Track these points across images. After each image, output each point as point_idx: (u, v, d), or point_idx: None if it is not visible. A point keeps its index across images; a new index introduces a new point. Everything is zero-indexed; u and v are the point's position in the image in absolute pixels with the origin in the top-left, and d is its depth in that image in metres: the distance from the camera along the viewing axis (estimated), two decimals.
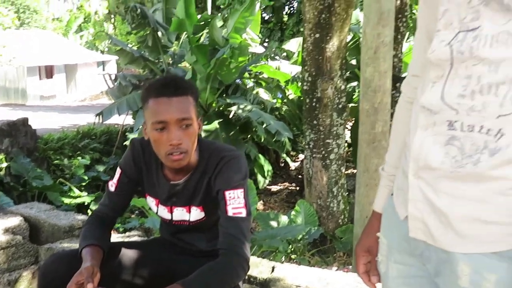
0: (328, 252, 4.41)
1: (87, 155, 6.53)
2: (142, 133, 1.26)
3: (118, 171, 1.34)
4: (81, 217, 2.15)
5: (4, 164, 5.21)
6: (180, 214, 1.31)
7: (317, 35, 3.98)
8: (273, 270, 1.62)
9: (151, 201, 1.36)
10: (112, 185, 1.34)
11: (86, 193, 5.76)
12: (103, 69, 22.32)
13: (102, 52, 22.18)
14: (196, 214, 1.30)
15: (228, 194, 1.18)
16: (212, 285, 1.08)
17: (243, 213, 1.18)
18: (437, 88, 0.74)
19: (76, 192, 5.55)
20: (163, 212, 1.33)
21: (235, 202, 1.18)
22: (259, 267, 1.63)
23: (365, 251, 0.99)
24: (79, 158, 6.22)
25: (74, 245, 1.90)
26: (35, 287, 1.92)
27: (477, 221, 0.71)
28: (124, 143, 6.02)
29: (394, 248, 0.90)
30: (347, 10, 3.90)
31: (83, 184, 5.96)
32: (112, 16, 20.60)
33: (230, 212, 1.17)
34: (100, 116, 6.48)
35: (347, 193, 4.71)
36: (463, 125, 0.70)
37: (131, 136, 5.50)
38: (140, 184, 1.36)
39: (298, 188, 8.27)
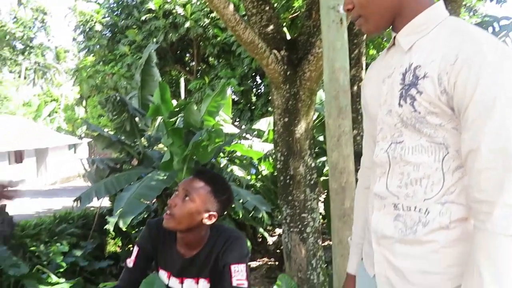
0: None
1: (65, 240, 6.49)
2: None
3: (136, 249, 1.59)
4: None
5: None
6: (189, 285, 1.55)
7: (286, 119, 4.42)
8: None
9: (163, 274, 1.59)
10: (130, 262, 1.58)
11: (64, 280, 5.68)
12: (75, 152, 22.35)
13: (80, 137, 22.41)
14: (203, 285, 1.54)
15: (233, 267, 1.45)
16: None
17: (245, 284, 1.44)
18: (382, 181, 1.08)
19: (54, 279, 5.48)
20: (174, 283, 1.56)
21: (238, 275, 1.44)
22: None
23: None
24: (57, 244, 6.19)
25: None
26: None
27: (422, 272, 1.01)
28: (104, 227, 6.08)
29: None
30: (311, 97, 4.39)
31: (61, 270, 5.90)
32: (84, 100, 21.15)
33: (235, 283, 1.43)
34: (79, 201, 6.57)
35: (325, 264, 4.89)
36: (403, 207, 1.03)
37: (111, 219, 5.60)
38: (155, 259, 1.60)
39: (277, 262, 8.33)
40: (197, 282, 1.53)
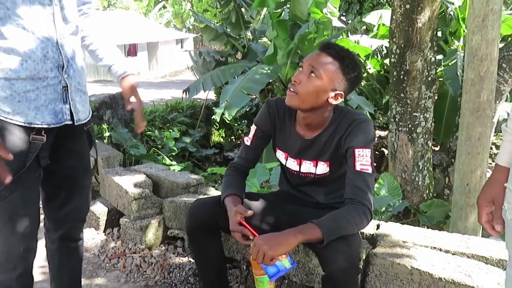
0: (412, 226, 4.42)
1: (175, 128, 6.98)
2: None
3: (253, 127, 1.53)
4: (194, 176, 2.40)
5: (107, 134, 5.77)
6: (307, 167, 1.47)
7: (408, 6, 3.90)
8: (378, 228, 1.75)
9: (280, 155, 1.53)
10: (247, 140, 1.54)
11: (175, 162, 6.20)
12: (181, 47, 23.19)
13: (188, 29, 23.05)
14: (322, 168, 1.45)
15: (358, 151, 1.32)
16: (341, 228, 1.23)
17: (369, 170, 1.31)
18: None
19: (168, 161, 5.99)
20: (292, 164, 1.50)
21: (363, 160, 1.31)
22: None
23: (488, 201, 1.08)
24: (170, 130, 6.67)
25: (192, 199, 2.16)
26: (161, 233, 2.22)
27: None
28: (212, 117, 6.36)
29: None
30: None
31: (173, 154, 6.42)
32: None
33: (358, 167, 1.31)
34: (187, 92, 6.87)
35: (432, 168, 4.63)
36: None
37: (218, 110, 5.80)
38: (272, 139, 1.54)
39: (376, 163, 8.20)
40: (316, 165, 1.45)
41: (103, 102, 6.18)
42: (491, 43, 1.89)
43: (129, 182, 2.31)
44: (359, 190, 1.29)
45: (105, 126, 5.82)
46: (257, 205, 1.52)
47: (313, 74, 1.32)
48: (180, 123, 7.26)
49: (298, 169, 1.50)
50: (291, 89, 1.34)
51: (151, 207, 2.23)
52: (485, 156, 2.05)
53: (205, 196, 1.64)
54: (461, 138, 2.09)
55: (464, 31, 7.13)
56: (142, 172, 2.48)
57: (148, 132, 6.72)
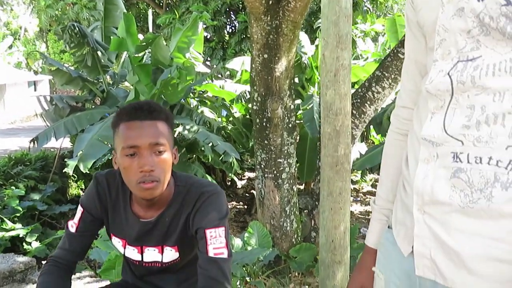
0: (283, 273, 4.36)
1: (21, 183, 6.03)
2: (112, 163, 1.15)
3: (80, 209, 1.22)
4: (22, 259, 1.92)
5: None
6: (151, 255, 1.20)
7: (266, 56, 3.98)
8: None
9: (117, 242, 1.23)
10: (72, 226, 1.21)
11: (20, 225, 5.31)
12: (35, 89, 21.12)
13: (36, 72, 21.07)
14: (170, 254, 1.19)
15: (209, 232, 1.09)
16: None
17: (224, 253, 1.09)
18: (437, 119, 0.71)
19: (9, 224, 5.09)
20: (132, 253, 1.21)
21: (216, 242, 1.09)
22: None
23: None
24: (13, 187, 5.72)
25: None
26: None
27: (492, 260, 0.68)
28: (63, 170, 5.64)
29: (393, 284, 0.85)
30: (294, 31, 3.95)
31: (17, 215, 5.49)
32: (44, 34, 19.71)
33: (211, 253, 1.08)
34: (35, 141, 6.04)
35: (299, 211, 4.70)
36: (469, 157, 0.67)
37: (71, 162, 5.16)
38: (105, 223, 1.23)
39: (246, 206, 8.22)
40: (161, 252, 1.19)
41: None
42: (344, 98, 1.91)
43: None
44: (214, 283, 1.06)
45: None
46: None
47: (161, 150, 1.08)
48: (27, 178, 6.31)
49: (140, 259, 1.21)
50: (148, 180, 1.07)
51: None
52: (347, 211, 2.03)
53: None
54: (323, 194, 2.06)
55: (317, 78, 7.74)
56: None
57: None
